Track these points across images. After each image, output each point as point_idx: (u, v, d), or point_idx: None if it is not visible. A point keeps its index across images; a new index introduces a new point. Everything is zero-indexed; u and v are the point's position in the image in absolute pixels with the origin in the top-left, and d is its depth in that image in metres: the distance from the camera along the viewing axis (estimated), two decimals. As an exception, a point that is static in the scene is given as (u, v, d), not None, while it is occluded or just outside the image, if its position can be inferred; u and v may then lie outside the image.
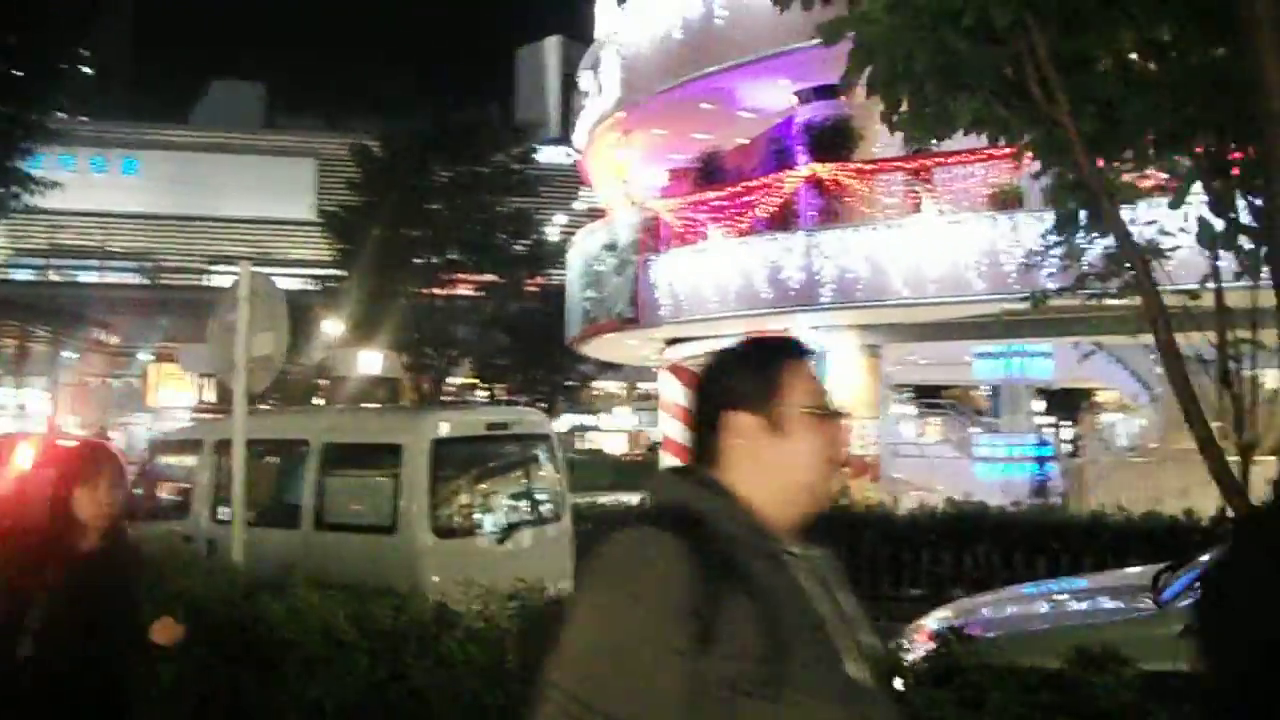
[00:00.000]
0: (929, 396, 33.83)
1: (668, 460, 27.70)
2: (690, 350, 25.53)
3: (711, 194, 21.70)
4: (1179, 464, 19.07)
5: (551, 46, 71.41)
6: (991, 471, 28.96)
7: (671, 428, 27.88)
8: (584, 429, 49.85)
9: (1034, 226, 18.13)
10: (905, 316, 20.17)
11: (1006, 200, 18.47)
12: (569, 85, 65.88)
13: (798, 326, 21.69)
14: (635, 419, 51.72)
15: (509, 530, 8.65)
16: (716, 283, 21.05)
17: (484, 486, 8.81)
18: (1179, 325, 14.98)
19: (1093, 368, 28.19)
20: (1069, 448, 27.40)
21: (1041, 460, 24.57)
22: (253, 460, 9.60)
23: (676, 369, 27.36)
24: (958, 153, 19.89)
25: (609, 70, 24.47)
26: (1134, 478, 22.84)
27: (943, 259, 18.81)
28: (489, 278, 27.40)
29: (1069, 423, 35.86)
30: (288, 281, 54.44)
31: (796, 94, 22.61)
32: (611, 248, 22.89)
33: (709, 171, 22.65)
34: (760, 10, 20.80)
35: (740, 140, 25.09)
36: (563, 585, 9.45)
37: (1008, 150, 17.45)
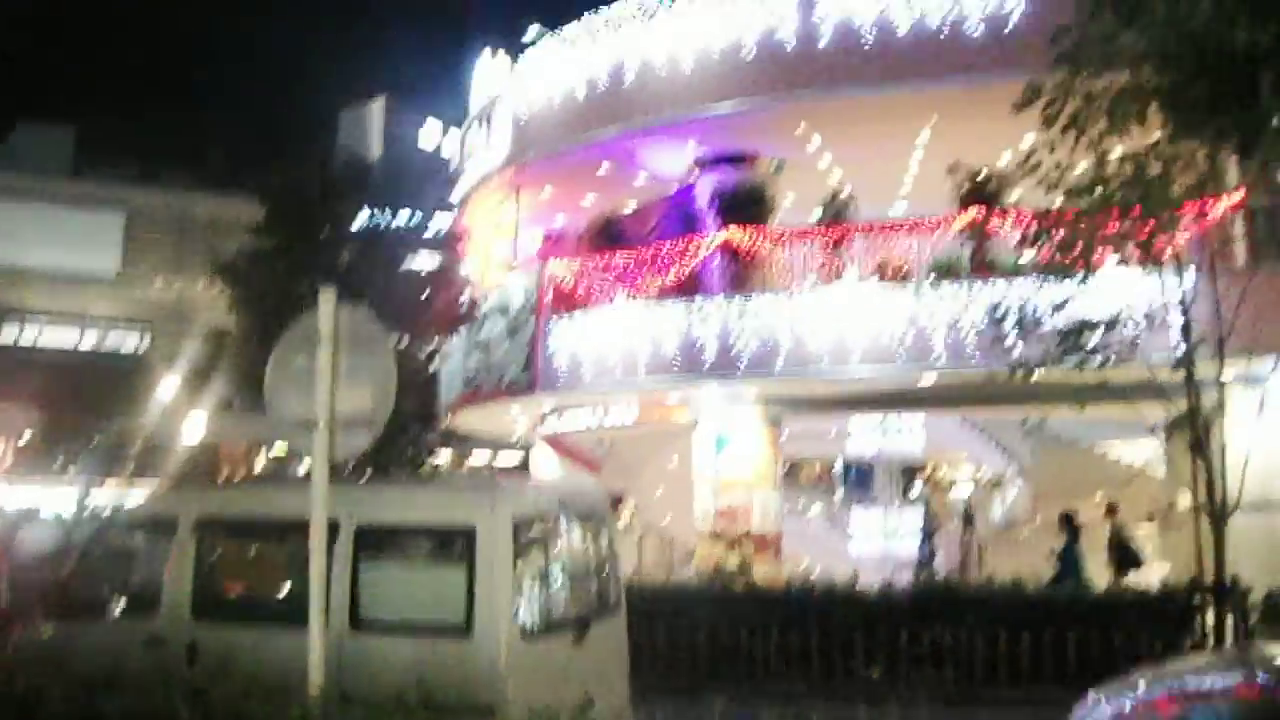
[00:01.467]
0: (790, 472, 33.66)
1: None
2: (572, 422, 24.51)
3: (619, 256, 20.84)
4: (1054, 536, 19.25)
5: (376, 108, 69.82)
6: (865, 546, 28.85)
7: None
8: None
9: (959, 297, 18.12)
10: (821, 389, 19.71)
11: (944, 270, 18.29)
12: (390, 145, 64.45)
13: (704, 396, 21.01)
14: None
15: (584, 625, 7.45)
16: (624, 348, 20.15)
17: (557, 574, 7.54)
18: (1138, 396, 14.92)
19: (959, 441, 28.51)
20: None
21: (928, 534, 24.44)
22: (256, 545, 8.16)
23: (554, 441, 26.25)
24: (883, 223, 19.80)
25: (500, 127, 23.45)
26: (1016, 549, 23.00)
27: (867, 328, 18.47)
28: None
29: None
30: (89, 338, 50.98)
31: (697, 160, 22.19)
32: (503, 311, 21.69)
33: (608, 234, 21.83)
34: (670, 73, 20.38)
35: (628, 204, 24.43)
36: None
37: (935, 221, 17.21)
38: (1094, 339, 13.37)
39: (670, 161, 22.39)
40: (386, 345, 6.38)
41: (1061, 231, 13.48)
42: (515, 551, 6.86)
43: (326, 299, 6.05)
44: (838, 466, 32.77)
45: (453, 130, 29.32)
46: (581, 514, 7.94)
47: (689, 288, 20.31)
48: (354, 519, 7.15)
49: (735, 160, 21.80)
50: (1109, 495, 23.25)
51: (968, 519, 24.67)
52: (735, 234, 19.68)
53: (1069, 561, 17.95)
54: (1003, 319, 15.18)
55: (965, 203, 18.90)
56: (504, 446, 42.22)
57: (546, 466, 26.63)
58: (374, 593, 7.12)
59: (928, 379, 18.91)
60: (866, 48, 19.26)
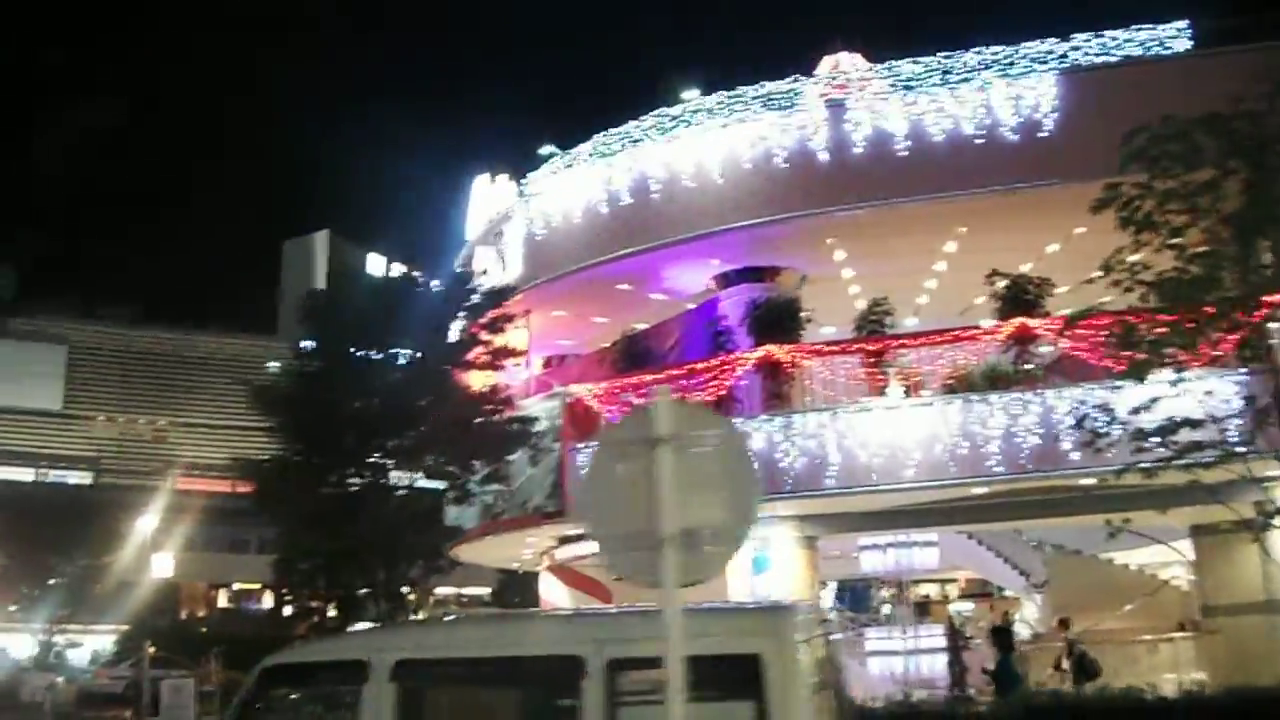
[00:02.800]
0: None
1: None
2: (580, 549, 23.56)
3: (649, 376, 20.20)
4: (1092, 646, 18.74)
5: (320, 240, 69.27)
6: (885, 665, 27.90)
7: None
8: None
9: (1012, 407, 17.75)
10: (869, 505, 19.09)
11: (993, 378, 17.95)
12: (336, 278, 63.56)
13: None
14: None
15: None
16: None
17: (831, 701, 6.69)
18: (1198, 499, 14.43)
19: (968, 556, 27.96)
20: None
21: (957, 650, 23.63)
22: (468, 690, 7.19)
23: (560, 570, 25.22)
24: (922, 333, 19.48)
25: (512, 248, 22.91)
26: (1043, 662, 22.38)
27: (918, 440, 17.99)
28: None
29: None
30: (26, 473, 48.64)
31: (717, 277, 21.86)
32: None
33: (632, 353, 21.19)
34: (698, 187, 20.11)
35: (640, 324, 23.90)
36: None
37: (973, 332, 16.86)
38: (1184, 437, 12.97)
39: (690, 278, 22.02)
40: (741, 445, 5.59)
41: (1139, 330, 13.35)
42: (805, 680, 6.04)
43: (663, 393, 5.29)
44: (830, 587, 31.98)
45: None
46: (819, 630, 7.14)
47: (721, 405, 19.70)
48: (600, 653, 6.27)
49: (757, 275, 21.52)
50: (1138, 604, 22.85)
51: (997, 635, 23.98)
52: (774, 349, 19.17)
53: (1006, 673, 17.38)
54: (1081, 421, 14.70)
55: (1005, 312, 18.65)
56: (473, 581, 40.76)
57: (554, 595, 25.54)
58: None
59: (979, 490, 18.43)
60: (902, 156, 19.19)
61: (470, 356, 16.29)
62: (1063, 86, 19.02)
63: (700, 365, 19.74)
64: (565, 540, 23.92)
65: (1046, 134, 18.82)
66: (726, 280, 21.79)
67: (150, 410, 53.20)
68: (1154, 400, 13.17)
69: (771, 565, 20.36)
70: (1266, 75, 13.58)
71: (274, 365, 62.41)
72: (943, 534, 25.57)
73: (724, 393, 19.61)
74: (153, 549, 35.42)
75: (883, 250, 20.41)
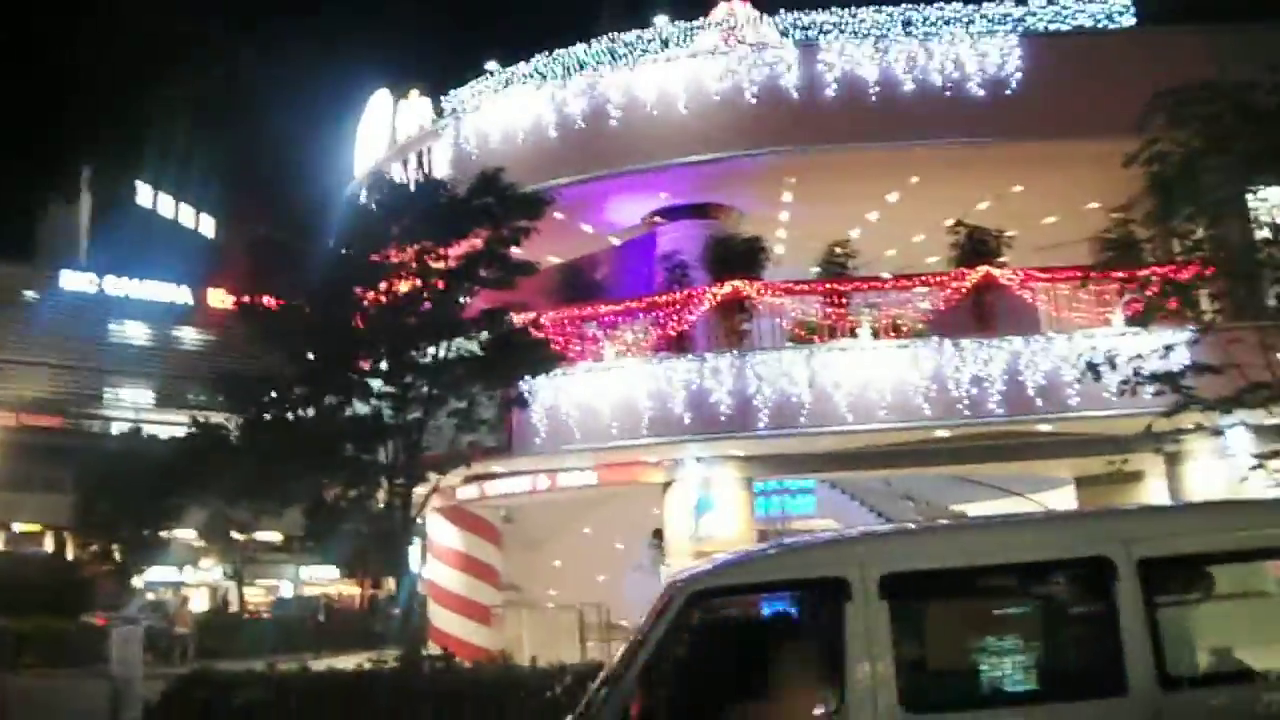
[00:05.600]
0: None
1: (437, 610, 24.07)
2: (488, 488, 22.68)
3: (604, 308, 19.54)
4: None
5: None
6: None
7: (441, 574, 24.43)
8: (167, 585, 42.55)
9: (978, 352, 18.28)
10: (836, 444, 19.21)
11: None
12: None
13: (689, 456, 19.98)
14: (219, 572, 44.93)
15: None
16: (619, 406, 18.84)
17: None
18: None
19: (837, 509, 28.75)
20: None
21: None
22: (972, 606, 6.60)
23: (456, 511, 24.11)
24: (890, 278, 19.71)
25: (438, 169, 21.53)
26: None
27: (890, 383, 18.23)
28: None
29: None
30: None
31: (657, 211, 21.43)
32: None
33: (572, 285, 20.37)
34: (655, 119, 19.59)
35: (552, 257, 23.05)
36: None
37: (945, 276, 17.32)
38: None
39: (629, 211, 21.47)
40: None
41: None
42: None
43: None
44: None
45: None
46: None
47: (680, 341, 19.33)
48: (1132, 553, 5.87)
49: (701, 211, 21.22)
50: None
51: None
52: (741, 285, 18.91)
53: None
54: (1095, 367, 15.19)
55: (964, 260, 19.13)
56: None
57: (443, 538, 24.43)
58: (1191, 641, 5.90)
59: (943, 433, 18.91)
60: (871, 102, 19.32)
61: (484, 272, 15.15)
62: (1023, 48, 19.65)
63: (663, 299, 19.23)
64: (469, 480, 22.88)
65: (1010, 92, 19.41)
66: (666, 215, 21.35)
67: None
68: (1169, 348, 13.66)
69: (714, 507, 20.21)
70: (1208, 54, 14.56)
71: (30, 294, 56.82)
72: (820, 485, 26.16)
73: (684, 328, 19.24)
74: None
75: (829, 194, 20.53)
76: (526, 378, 16.46)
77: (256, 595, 46.93)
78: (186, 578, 46.20)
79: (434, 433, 16.46)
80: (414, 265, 15.23)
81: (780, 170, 19.97)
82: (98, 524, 36.30)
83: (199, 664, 18.45)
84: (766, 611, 6.62)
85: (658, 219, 21.52)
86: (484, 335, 15.55)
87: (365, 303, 15.48)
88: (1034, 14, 20.30)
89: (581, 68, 20.57)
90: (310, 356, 15.70)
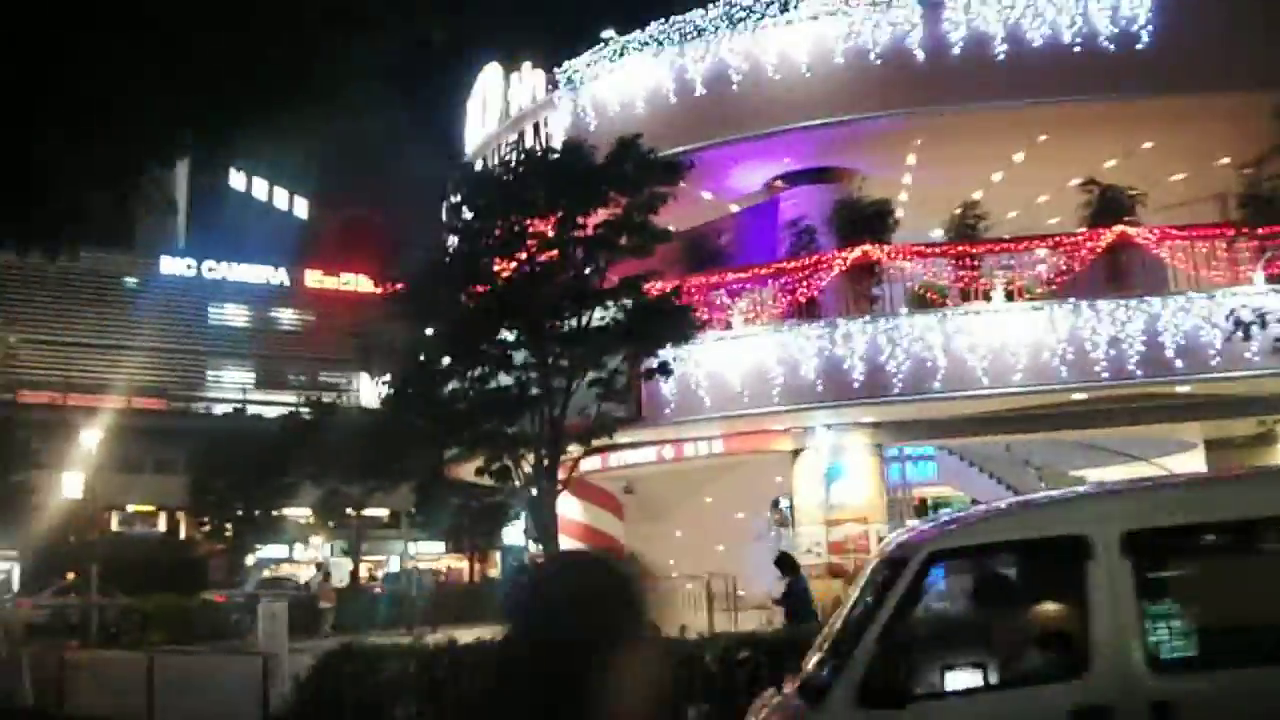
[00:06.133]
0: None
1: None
2: (619, 460, 22.67)
3: (732, 275, 19.41)
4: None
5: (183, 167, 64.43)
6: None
7: (564, 546, 24.54)
8: (276, 561, 43.51)
9: (1118, 313, 17.87)
10: (972, 409, 18.94)
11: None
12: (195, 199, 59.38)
13: (816, 423, 19.83)
14: (328, 549, 45.94)
15: None
16: (750, 374, 18.73)
17: None
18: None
19: (952, 473, 28.36)
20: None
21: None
22: (1220, 563, 6.42)
23: (578, 483, 24.17)
24: (1024, 238, 19.35)
25: (556, 139, 21.53)
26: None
27: (1025, 346, 17.90)
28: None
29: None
30: None
31: (781, 176, 21.21)
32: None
33: (698, 253, 20.26)
34: (778, 83, 19.31)
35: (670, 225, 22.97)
36: None
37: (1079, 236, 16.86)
38: None
39: (751, 177, 21.30)
40: None
41: None
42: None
43: None
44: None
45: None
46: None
47: (809, 307, 19.14)
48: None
49: (823, 175, 20.97)
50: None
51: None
52: (871, 249, 18.67)
53: (801, 598, 15.45)
54: (1246, 326, 14.78)
55: (1096, 219, 18.69)
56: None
57: (565, 510, 24.52)
58: None
59: (1079, 396, 18.54)
60: (999, 59, 18.91)
61: (624, 239, 15.14)
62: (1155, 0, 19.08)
63: (791, 265, 19.06)
64: (591, 451, 22.95)
65: (1143, 46, 18.86)
66: (788, 180, 21.16)
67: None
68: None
69: (845, 474, 20.08)
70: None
71: (132, 281, 58.17)
72: (939, 452, 25.81)
73: (813, 294, 19.06)
74: (56, 469, 32.28)
75: (954, 156, 20.15)
76: (668, 346, 16.37)
77: (362, 571, 47.81)
78: (296, 555, 47.13)
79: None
80: (551, 234, 15.23)
81: (906, 132, 19.66)
82: (212, 503, 37.03)
83: (340, 638, 18.70)
84: (1006, 571, 6.52)
85: (780, 184, 21.33)
86: (625, 303, 15.51)
87: (504, 274, 15.54)
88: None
89: (700, 34, 20.38)
90: (451, 330, 15.81)
